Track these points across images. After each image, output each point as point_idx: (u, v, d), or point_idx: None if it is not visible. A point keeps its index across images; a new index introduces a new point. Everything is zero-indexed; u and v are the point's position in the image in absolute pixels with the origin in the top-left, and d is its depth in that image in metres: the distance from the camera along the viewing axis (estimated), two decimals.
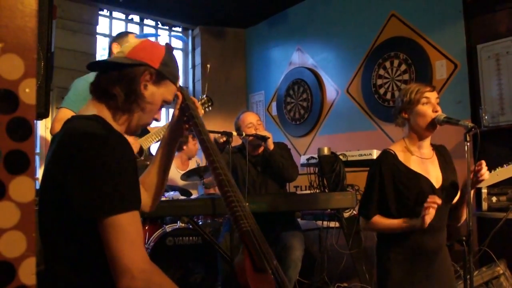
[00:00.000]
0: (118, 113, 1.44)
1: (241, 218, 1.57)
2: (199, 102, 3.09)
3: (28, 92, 0.84)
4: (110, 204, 1.23)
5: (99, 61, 1.52)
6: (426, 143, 2.33)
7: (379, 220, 2.28)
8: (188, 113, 1.69)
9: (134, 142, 2.81)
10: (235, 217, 1.58)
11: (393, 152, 2.31)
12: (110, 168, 1.25)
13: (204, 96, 3.21)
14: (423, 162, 2.29)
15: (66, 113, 2.85)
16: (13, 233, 0.83)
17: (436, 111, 2.23)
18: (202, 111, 3.00)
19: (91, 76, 3.08)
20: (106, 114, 1.43)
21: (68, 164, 1.27)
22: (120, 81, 1.41)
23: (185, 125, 1.73)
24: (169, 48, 1.54)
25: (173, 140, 1.75)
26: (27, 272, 0.84)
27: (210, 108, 3.26)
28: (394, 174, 2.26)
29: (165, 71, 1.47)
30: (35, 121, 0.88)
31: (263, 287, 1.48)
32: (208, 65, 3.74)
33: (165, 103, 1.54)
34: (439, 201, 2.03)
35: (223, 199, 1.60)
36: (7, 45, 0.82)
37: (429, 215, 2.03)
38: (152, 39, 1.56)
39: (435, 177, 2.27)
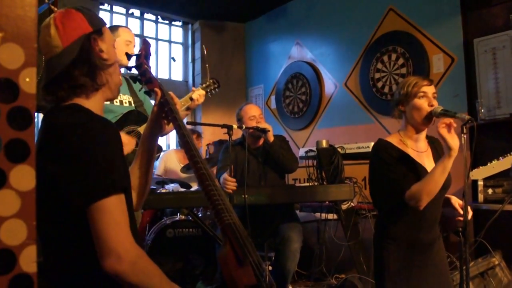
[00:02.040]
0: (94, 93, 1.44)
1: (223, 211, 1.57)
2: (204, 85, 3.08)
3: (28, 81, 0.85)
4: (95, 190, 1.24)
5: (51, 82, 1.40)
6: (422, 136, 2.34)
7: (416, 185, 2.13)
8: (167, 108, 1.68)
9: (131, 140, 2.79)
10: (217, 210, 1.58)
11: (388, 141, 2.32)
12: (93, 155, 1.26)
13: (210, 79, 3.15)
14: (419, 155, 2.31)
15: None
16: (13, 221, 0.84)
17: (432, 106, 2.24)
18: (188, 105, 2.98)
19: None
20: (83, 99, 1.41)
21: (52, 156, 1.27)
22: (77, 66, 1.38)
23: (164, 120, 1.72)
24: (78, 8, 1.49)
25: (153, 136, 1.72)
26: (28, 260, 0.84)
27: (217, 90, 3.17)
28: (392, 157, 2.25)
29: (97, 24, 1.45)
30: (35, 113, 0.89)
31: (245, 279, 1.50)
32: (204, 47, 3.66)
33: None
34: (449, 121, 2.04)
35: (204, 193, 1.61)
36: (7, 34, 0.82)
37: (452, 137, 2.03)
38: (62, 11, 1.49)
39: (430, 169, 2.28)
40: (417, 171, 2.23)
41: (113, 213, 1.25)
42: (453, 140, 2.05)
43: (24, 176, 0.85)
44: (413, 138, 2.32)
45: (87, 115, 1.37)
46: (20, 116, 0.85)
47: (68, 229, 1.33)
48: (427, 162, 2.30)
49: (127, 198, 1.35)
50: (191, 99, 2.91)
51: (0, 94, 0.83)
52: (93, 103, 1.43)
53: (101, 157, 1.27)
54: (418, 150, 2.32)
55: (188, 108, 3.05)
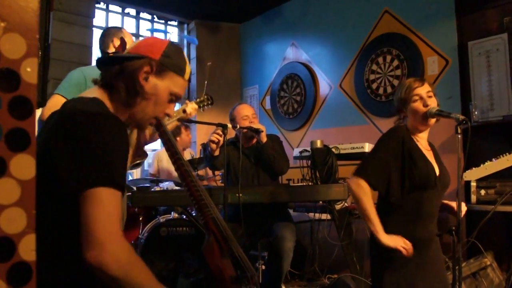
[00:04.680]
0: (120, 106, 1.44)
1: (206, 206, 1.62)
2: (198, 100, 3.17)
3: (29, 71, 0.85)
4: (94, 177, 1.22)
5: (104, 57, 1.51)
6: (425, 135, 2.41)
7: (364, 188, 2.25)
8: None
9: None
10: (200, 205, 1.63)
11: (406, 129, 2.37)
12: (101, 146, 1.25)
13: (204, 95, 3.23)
14: (426, 153, 2.36)
15: (58, 100, 2.87)
16: (13, 209, 0.84)
17: (427, 106, 2.28)
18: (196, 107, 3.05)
19: (88, 68, 3.11)
20: (108, 103, 1.43)
21: (61, 139, 1.27)
22: (121, 74, 1.42)
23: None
24: (173, 42, 1.53)
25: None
26: (27, 248, 0.86)
27: (209, 106, 3.27)
28: (405, 146, 2.29)
29: (167, 62, 1.46)
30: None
31: (228, 271, 1.55)
32: (209, 63, 3.74)
33: (175, 97, 1.51)
34: (410, 252, 2.15)
35: (187, 189, 1.66)
36: (9, 24, 0.83)
37: (396, 246, 2.15)
38: (161, 36, 1.57)
39: (435, 167, 2.33)
40: (426, 165, 2.28)
41: (106, 204, 1.21)
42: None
43: (24, 165, 0.86)
44: (419, 137, 2.39)
45: (104, 109, 1.38)
46: (21, 105, 0.86)
47: (57, 217, 1.30)
48: (432, 161, 2.36)
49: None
50: (184, 111, 3.00)
51: (1, 84, 0.84)
52: (114, 111, 1.44)
53: (105, 149, 1.25)
54: (425, 148, 2.38)
55: (179, 120, 3.13)
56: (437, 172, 2.31)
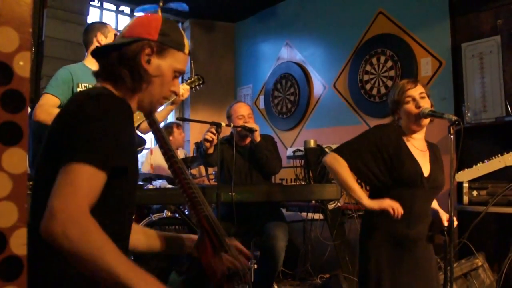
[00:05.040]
0: (128, 93, 1.42)
1: (199, 203, 1.62)
2: (189, 81, 3.14)
3: (22, 65, 0.85)
4: (74, 152, 1.17)
5: (100, 48, 1.48)
6: (420, 136, 2.41)
7: (343, 165, 2.29)
8: None
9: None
10: (193, 203, 1.62)
11: (396, 126, 2.41)
12: (100, 124, 1.23)
13: (195, 75, 3.21)
14: (416, 152, 2.36)
15: (49, 99, 2.87)
16: (4, 203, 0.83)
17: (419, 107, 2.29)
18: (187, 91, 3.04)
19: (74, 66, 3.10)
20: (114, 93, 1.42)
21: (64, 122, 1.28)
22: (122, 61, 1.39)
23: None
24: (166, 18, 1.51)
25: None
26: (18, 242, 0.84)
27: (201, 86, 3.25)
28: (392, 145, 2.32)
29: (166, 41, 1.43)
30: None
31: (221, 267, 1.55)
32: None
33: (178, 73, 1.50)
34: (399, 212, 2.14)
35: (180, 186, 1.65)
36: (2, 18, 0.82)
37: (382, 207, 2.16)
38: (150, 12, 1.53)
39: (425, 168, 2.33)
40: (411, 165, 2.29)
41: (75, 179, 1.14)
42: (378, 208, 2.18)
43: (16, 159, 0.85)
44: (412, 138, 2.39)
45: (107, 91, 1.38)
46: (13, 99, 0.85)
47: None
48: (423, 160, 2.35)
49: (122, 182, 1.33)
50: (176, 94, 2.96)
51: None
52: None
53: (97, 127, 1.22)
54: (417, 148, 2.38)
55: (172, 103, 3.11)
56: (426, 172, 2.31)
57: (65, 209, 1.09)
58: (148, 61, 1.41)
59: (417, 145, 2.38)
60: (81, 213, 1.10)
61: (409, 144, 2.35)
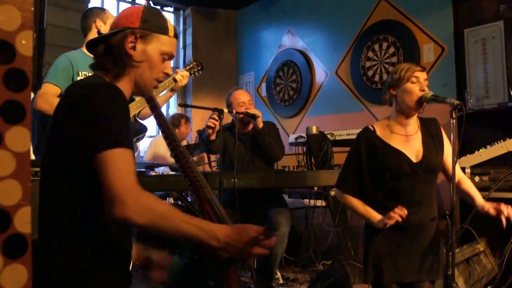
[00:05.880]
0: (117, 79, 1.51)
1: (201, 187, 1.65)
2: (188, 67, 3.13)
3: (24, 43, 0.85)
4: (104, 140, 1.29)
5: (90, 42, 1.57)
6: (412, 120, 2.37)
7: (349, 198, 2.40)
8: None
9: None
10: (196, 186, 1.66)
11: (372, 129, 2.39)
12: (105, 111, 1.33)
13: (194, 61, 3.21)
14: (407, 139, 2.34)
15: (49, 88, 2.86)
16: (9, 181, 0.84)
17: (423, 91, 2.27)
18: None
19: (73, 53, 3.09)
20: (105, 77, 1.52)
21: (69, 112, 1.37)
22: (107, 51, 1.49)
23: None
24: (147, 5, 1.59)
25: None
26: (23, 220, 0.85)
27: (200, 72, 3.26)
28: (370, 148, 2.35)
29: (147, 26, 1.50)
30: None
31: (223, 253, 1.56)
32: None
33: (167, 56, 1.56)
34: (404, 214, 2.13)
35: (182, 170, 1.67)
36: None
37: (390, 221, 2.15)
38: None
39: (415, 152, 2.30)
40: (395, 158, 2.28)
41: (116, 163, 1.27)
42: (389, 224, 2.18)
43: (19, 137, 0.86)
44: (402, 123, 2.36)
45: (101, 80, 1.49)
46: (16, 77, 0.86)
47: (72, 190, 1.37)
48: (414, 144, 2.33)
49: None
50: (175, 80, 2.97)
51: None
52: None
53: (106, 114, 1.33)
54: (407, 133, 2.35)
55: (172, 90, 3.11)
56: (417, 158, 2.29)
57: (130, 194, 1.25)
58: (133, 48, 1.49)
59: (407, 130, 2.36)
60: (141, 193, 1.29)
61: (389, 136, 2.34)
